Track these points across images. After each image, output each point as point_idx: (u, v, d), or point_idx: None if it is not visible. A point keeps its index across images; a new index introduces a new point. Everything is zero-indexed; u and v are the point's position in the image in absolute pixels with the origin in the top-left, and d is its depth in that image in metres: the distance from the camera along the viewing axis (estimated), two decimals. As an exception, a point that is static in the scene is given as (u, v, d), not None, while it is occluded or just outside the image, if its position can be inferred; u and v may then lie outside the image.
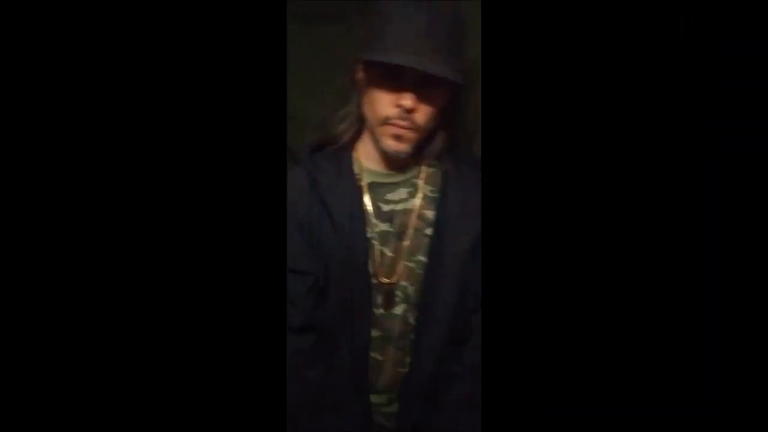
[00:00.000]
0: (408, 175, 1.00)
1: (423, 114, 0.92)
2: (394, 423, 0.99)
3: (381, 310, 0.97)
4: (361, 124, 1.00)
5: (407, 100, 0.89)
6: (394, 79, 0.91)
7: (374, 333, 0.97)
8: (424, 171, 1.00)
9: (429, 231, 0.98)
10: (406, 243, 0.97)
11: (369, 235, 0.97)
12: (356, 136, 1.01)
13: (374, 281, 0.97)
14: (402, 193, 1.00)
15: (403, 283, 0.98)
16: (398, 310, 0.97)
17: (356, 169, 1.01)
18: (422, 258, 0.97)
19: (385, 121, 0.93)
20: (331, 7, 1.38)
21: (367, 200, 0.99)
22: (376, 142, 0.96)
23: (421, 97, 0.91)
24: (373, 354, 0.98)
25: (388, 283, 0.97)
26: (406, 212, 0.99)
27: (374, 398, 0.99)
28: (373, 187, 1.00)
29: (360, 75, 0.95)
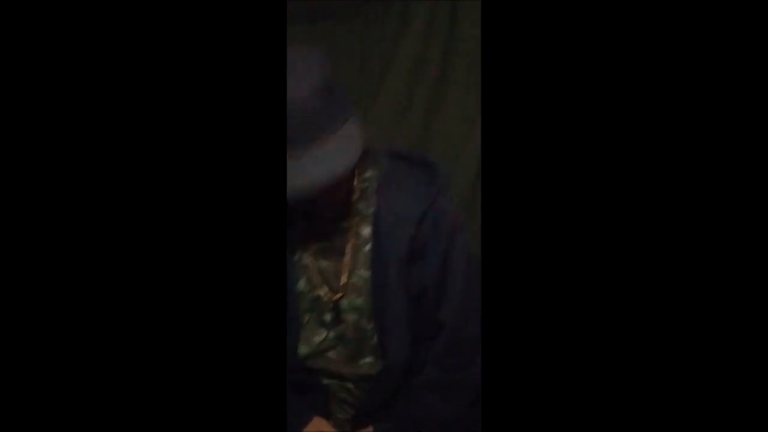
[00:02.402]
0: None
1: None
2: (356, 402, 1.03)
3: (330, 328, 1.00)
4: None
5: None
6: None
7: (329, 335, 1.00)
8: (357, 190, 0.99)
9: (367, 247, 0.99)
10: (346, 260, 0.99)
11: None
12: None
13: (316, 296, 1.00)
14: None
15: (351, 296, 1.00)
16: (350, 317, 0.99)
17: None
18: (364, 273, 0.99)
19: None
20: (331, 6, 1.38)
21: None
22: None
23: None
24: (329, 354, 1.01)
25: (337, 299, 0.99)
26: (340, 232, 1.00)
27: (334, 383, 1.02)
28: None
29: None
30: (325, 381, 1.02)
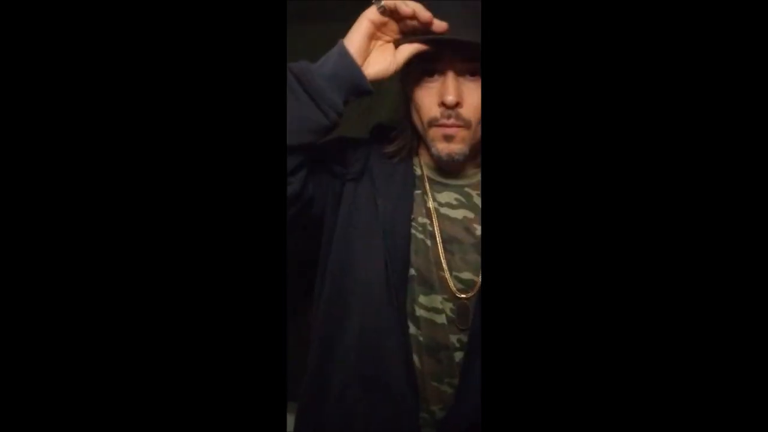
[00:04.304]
0: (461, 181, 0.95)
1: (470, 107, 0.87)
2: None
3: (449, 323, 0.91)
4: (415, 137, 0.96)
5: (449, 95, 0.86)
6: (433, 75, 0.88)
7: (415, 333, 0.92)
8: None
9: (479, 249, 0.91)
10: (452, 256, 0.92)
11: (411, 224, 0.93)
12: (416, 147, 0.97)
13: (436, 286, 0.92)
14: (448, 197, 0.95)
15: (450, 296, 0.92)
16: (442, 319, 0.92)
17: (416, 164, 0.97)
18: (470, 276, 0.92)
19: (432, 124, 0.89)
20: (331, 6, 1.39)
21: (417, 191, 0.95)
22: (429, 149, 0.92)
23: (466, 89, 0.87)
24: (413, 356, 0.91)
25: (461, 298, 0.91)
26: (451, 221, 0.93)
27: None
28: (426, 181, 0.96)
29: (405, 81, 0.92)
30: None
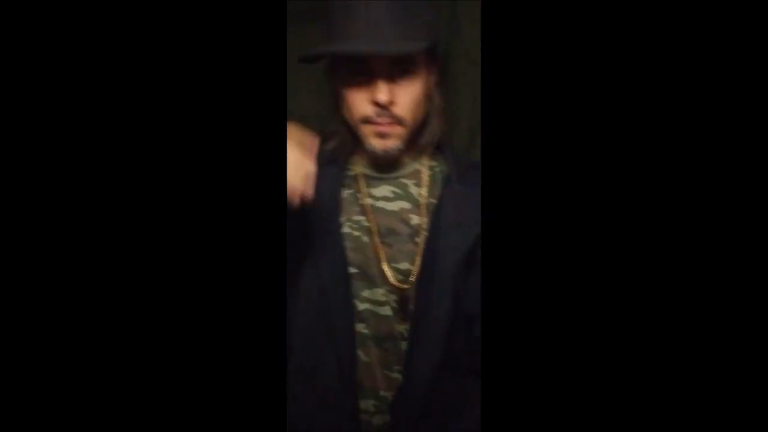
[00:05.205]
0: (397, 173, 0.96)
1: (404, 105, 0.88)
2: None
3: (387, 311, 0.93)
4: (351, 133, 0.94)
5: (381, 94, 0.85)
6: (364, 74, 0.86)
7: (360, 329, 0.93)
8: (423, 173, 0.95)
9: (414, 238, 0.93)
10: (389, 248, 0.93)
11: (345, 223, 0.93)
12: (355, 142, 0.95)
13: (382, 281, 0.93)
14: (385, 190, 0.95)
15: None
16: (386, 310, 0.93)
17: (350, 162, 0.97)
18: (407, 266, 0.93)
19: (365, 121, 0.89)
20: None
21: (347, 189, 0.95)
22: (363, 144, 0.92)
23: (398, 87, 0.87)
24: (358, 351, 0.93)
25: (401, 288, 0.92)
26: (387, 213, 0.94)
27: (361, 403, 0.94)
28: (360, 179, 0.96)
29: (331, 76, 0.92)
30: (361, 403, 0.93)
